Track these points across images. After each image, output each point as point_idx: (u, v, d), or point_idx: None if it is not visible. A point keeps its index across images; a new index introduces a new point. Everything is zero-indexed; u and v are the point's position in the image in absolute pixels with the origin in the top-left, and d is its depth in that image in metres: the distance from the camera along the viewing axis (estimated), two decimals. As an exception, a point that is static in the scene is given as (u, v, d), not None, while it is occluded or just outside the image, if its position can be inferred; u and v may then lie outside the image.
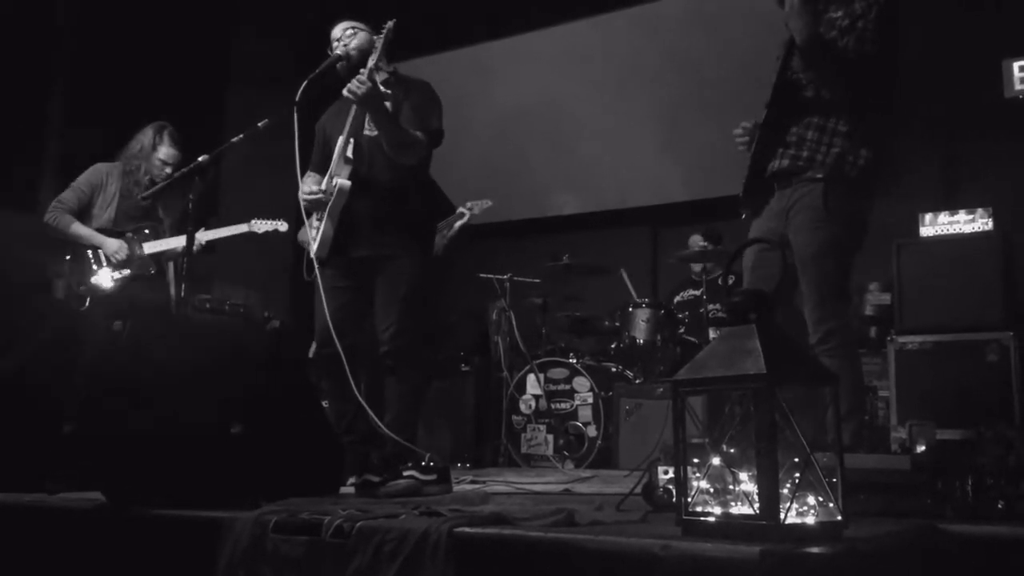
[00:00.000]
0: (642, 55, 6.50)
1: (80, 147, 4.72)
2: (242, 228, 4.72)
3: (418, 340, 3.46)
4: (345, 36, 3.58)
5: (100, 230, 4.40)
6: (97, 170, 4.52)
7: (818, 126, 3.15)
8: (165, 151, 4.51)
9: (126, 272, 4.37)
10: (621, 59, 6.58)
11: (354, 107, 3.42)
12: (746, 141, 3.34)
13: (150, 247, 4.45)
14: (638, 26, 6.37)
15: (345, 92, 3.34)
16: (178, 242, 4.46)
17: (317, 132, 3.73)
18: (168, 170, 4.50)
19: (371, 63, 3.37)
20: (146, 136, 4.53)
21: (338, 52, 3.53)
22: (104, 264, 4.35)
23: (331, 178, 3.44)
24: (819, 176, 3.10)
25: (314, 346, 3.50)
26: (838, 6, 3.13)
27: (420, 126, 3.47)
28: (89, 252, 4.37)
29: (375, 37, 3.47)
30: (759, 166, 3.25)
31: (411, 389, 3.42)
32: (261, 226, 4.77)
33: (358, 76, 3.31)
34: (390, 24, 3.46)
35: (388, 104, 3.47)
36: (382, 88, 3.37)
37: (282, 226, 4.85)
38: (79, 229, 4.38)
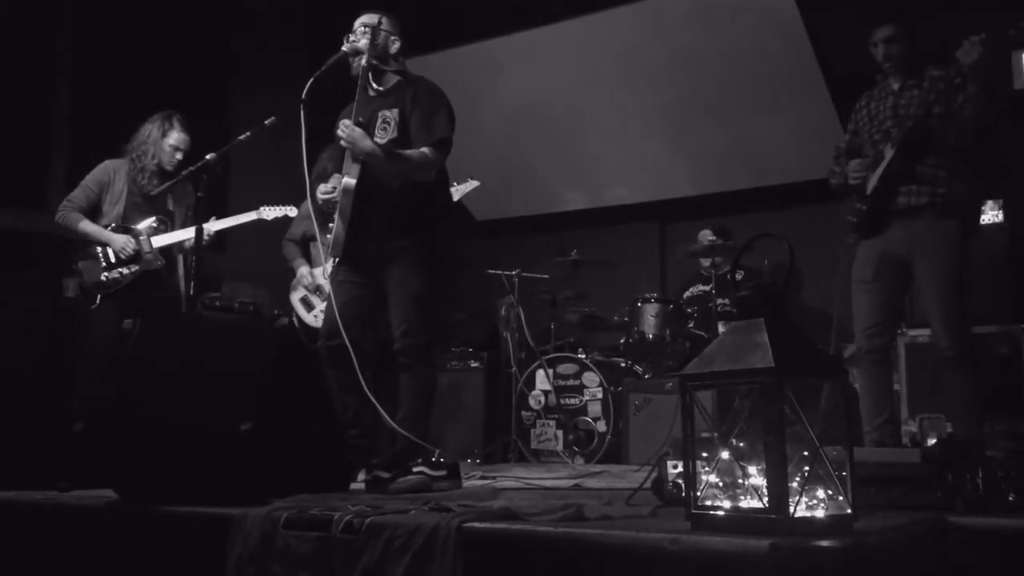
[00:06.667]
0: (648, 50, 6.48)
1: (86, 146, 4.71)
2: (251, 216, 4.74)
3: (430, 338, 3.46)
4: (358, 33, 3.58)
5: (110, 226, 4.41)
6: (105, 167, 4.52)
7: (947, 167, 3.60)
8: (176, 136, 4.51)
9: (135, 268, 4.37)
10: (627, 54, 6.56)
11: (355, 105, 3.44)
12: (862, 177, 3.73)
13: (158, 241, 4.45)
14: (644, 21, 6.34)
15: (337, 136, 3.43)
16: (187, 234, 4.45)
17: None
18: (179, 156, 4.50)
19: (363, 61, 3.48)
20: (154, 124, 4.51)
21: (344, 49, 3.53)
22: (113, 260, 4.36)
23: (341, 177, 3.45)
24: (952, 213, 3.57)
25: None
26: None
27: (428, 139, 3.46)
28: (98, 249, 4.37)
29: (380, 31, 3.52)
30: (883, 199, 3.64)
31: (423, 386, 3.42)
32: (270, 212, 4.79)
33: (344, 122, 3.38)
34: (380, 29, 3.55)
35: (395, 113, 3.49)
36: (374, 141, 3.40)
37: (291, 211, 4.88)
38: (87, 227, 4.38)
